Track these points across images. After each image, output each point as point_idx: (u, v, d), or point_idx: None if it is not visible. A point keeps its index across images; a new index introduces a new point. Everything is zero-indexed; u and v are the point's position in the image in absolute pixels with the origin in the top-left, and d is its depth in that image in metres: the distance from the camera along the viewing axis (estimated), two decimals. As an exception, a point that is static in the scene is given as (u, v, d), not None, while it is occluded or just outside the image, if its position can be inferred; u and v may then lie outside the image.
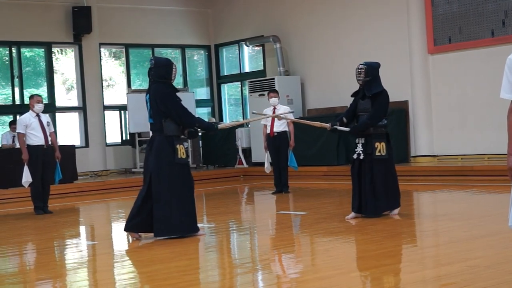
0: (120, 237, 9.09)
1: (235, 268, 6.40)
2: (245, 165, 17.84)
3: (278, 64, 18.08)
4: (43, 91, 17.90)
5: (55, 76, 18.20)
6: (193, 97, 18.68)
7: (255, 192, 14.10)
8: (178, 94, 8.04)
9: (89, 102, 18.29)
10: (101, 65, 18.63)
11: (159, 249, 7.25)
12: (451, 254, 6.26)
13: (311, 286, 5.37)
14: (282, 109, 12.42)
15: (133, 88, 18.89)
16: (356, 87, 9.00)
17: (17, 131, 11.48)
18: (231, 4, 19.74)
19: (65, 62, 18.83)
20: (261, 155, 15.06)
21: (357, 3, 16.65)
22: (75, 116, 18.56)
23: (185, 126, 7.88)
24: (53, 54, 18.17)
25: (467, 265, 5.59)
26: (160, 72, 7.86)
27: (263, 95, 16.48)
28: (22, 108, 16.27)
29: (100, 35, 18.36)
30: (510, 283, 4.94)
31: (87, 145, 18.22)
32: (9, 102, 17.54)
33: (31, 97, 11.52)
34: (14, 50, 17.55)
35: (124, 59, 19.31)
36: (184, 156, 7.82)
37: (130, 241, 7.95)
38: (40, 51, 18.16)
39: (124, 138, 19.02)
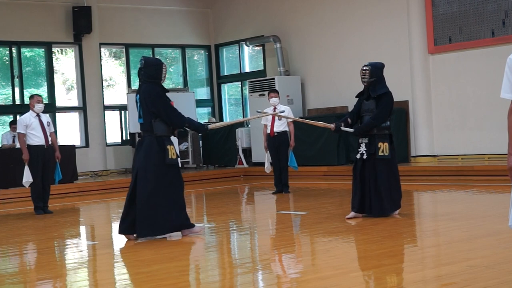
0: (120, 237, 9.09)
1: (235, 268, 6.40)
2: (245, 165, 17.84)
3: (278, 64, 18.09)
4: (43, 91, 17.90)
5: (55, 76, 18.20)
6: (193, 97, 18.68)
7: (255, 192, 14.10)
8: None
9: (89, 102, 18.29)
10: (101, 65, 18.63)
11: (159, 249, 7.25)
12: (451, 254, 6.26)
13: (312, 286, 5.37)
14: (282, 109, 12.42)
15: (133, 88, 18.87)
16: (356, 86, 9.03)
17: (17, 131, 11.47)
18: (231, 4, 19.74)
19: (65, 62, 18.84)
20: (261, 155, 15.07)
21: (357, 3, 16.65)
22: (75, 116, 18.56)
23: (174, 126, 7.88)
24: (53, 54, 18.18)
25: (467, 265, 5.59)
26: (150, 72, 7.86)
27: (263, 95, 16.49)
28: (22, 108, 16.28)
29: (100, 35, 18.36)
30: (510, 283, 4.94)
31: (87, 145, 18.23)
32: (9, 102, 17.54)
33: (31, 97, 11.52)
34: (14, 50, 17.55)
35: (124, 59, 19.31)
36: (174, 157, 7.80)
37: (132, 241, 7.94)
38: (40, 51, 18.17)
39: (124, 138, 19.03)
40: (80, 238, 9.15)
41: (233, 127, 18.02)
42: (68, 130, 18.36)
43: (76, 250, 7.99)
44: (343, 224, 8.36)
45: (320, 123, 9.33)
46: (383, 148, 8.54)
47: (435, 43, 15.21)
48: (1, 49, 17.67)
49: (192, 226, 7.95)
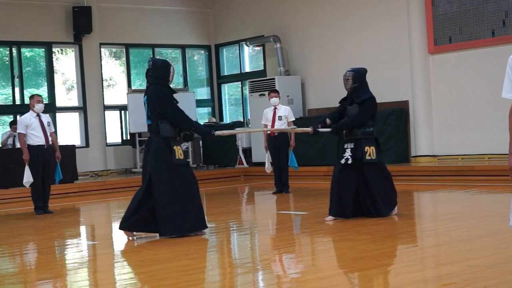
0: (120, 237, 9.09)
1: (236, 268, 6.40)
2: (245, 165, 17.84)
3: (278, 64, 18.09)
4: (43, 91, 17.91)
5: (55, 76, 18.20)
6: (193, 97, 18.69)
7: (255, 192, 14.10)
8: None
9: (90, 102, 18.30)
10: (101, 65, 18.63)
11: (159, 249, 7.25)
12: (451, 254, 6.26)
13: (312, 286, 5.37)
14: (283, 109, 12.44)
15: (133, 88, 18.89)
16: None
17: (17, 131, 11.48)
18: (232, 4, 19.74)
19: (65, 62, 18.84)
20: (262, 155, 15.07)
21: (357, 3, 16.65)
22: (75, 116, 18.56)
23: (180, 128, 7.90)
24: (53, 54, 18.18)
25: (467, 265, 5.59)
26: (158, 73, 7.88)
27: (264, 95, 16.49)
28: (23, 108, 16.27)
29: (100, 35, 18.36)
30: (510, 283, 4.94)
31: (87, 145, 18.23)
32: (9, 102, 17.54)
33: (32, 97, 11.53)
34: (14, 50, 17.56)
35: (124, 59, 19.31)
36: (182, 157, 7.84)
37: (132, 241, 7.95)
38: (41, 51, 18.17)
39: (124, 138, 19.03)
40: (80, 238, 9.16)
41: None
42: (68, 130, 18.36)
43: (76, 250, 7.99)
44: (343, 224, 8.36)
45: (299, 129, 9.43)
46: (370, 152, 8.55)
47: (435, 43, 15.21)
48: (1, 49, 17.67)
49: (205, 227, 7.98)
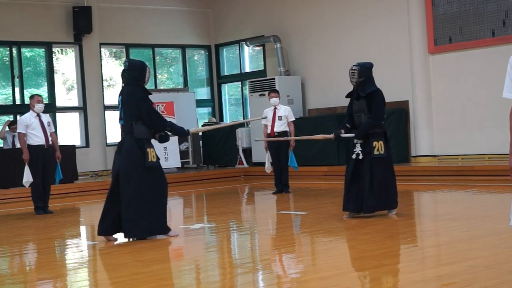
0: (120, 237, 9.09)
1: (236, 268, 6.40)
2: (245, 165, 17.84)
3: (278, 64, 18.08)
4: (43, 91, 17.90)
5: (55, 76, 18.20)
6: (194, 97, 18.68)
7: (255, 192, 14.10)
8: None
9: (90, 102, 18.29)
10: (101, 65, 18.63)
11: (159, 249, 7.25)
12: (451, 254, 6.26)
13: (312, 286, 5.37)
14: (283, 109, 12.44)
15: (133, 88, 18.86)
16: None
17: (17, 131, 11.48)
18: (232, 4, 19.74)
19: (65, 62, 18.84)
20: (262, 155, 15.06)
21: (357, 2, 16.65)
22: (75, 116, 18.56)
23: (155, 129, 7.87)
24: (53, 54, 18.17)
25: (467, 265, 5.59)
26: (134, 75, 7.87)
27: (264, 95, 16.49)
28: (23, 108, 16.26)
29: (100, 35, 18.36)
30: (510, 283, 4.94)
31: (87, 145, 18.23)
32: (9, 102, 17.54)
33: (32, 97, 11.52)
34: (14, 50, 17.55)
35: (124, 59, 19.30)
36: (154, 160, 7.79)
37: (132, 242, 7.95)
38: (41, 51, 18.17)
39: (124, 138, 18.99)
40: (80, 238, 9.16)
41: (233, 126, 18.02)
42: (68, 130, 18.36)
43: (77, 250, 7.99)
44: (343, 224, 8.36)
45: (320, 136, 9.32)
46: (378, 146, 8.53)
47: (435, 43, 15.21)
48: (1, 49, 17.67)
49: (168, 231, 7.93)
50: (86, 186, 15.53)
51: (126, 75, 7.90)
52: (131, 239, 7.81)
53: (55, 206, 12.13)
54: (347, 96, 8.96)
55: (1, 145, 15.99)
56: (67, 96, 18.89)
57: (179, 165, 17.50)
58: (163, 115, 16.75)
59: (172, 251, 7.12)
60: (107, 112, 18.76)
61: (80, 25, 17.83)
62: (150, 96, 7.91)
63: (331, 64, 17.26)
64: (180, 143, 17.55)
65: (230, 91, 20.85)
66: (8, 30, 17.17)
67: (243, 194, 13.96)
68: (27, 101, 15.53)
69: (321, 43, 17.51)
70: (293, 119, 12.52)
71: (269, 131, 12.41)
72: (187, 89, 19.45)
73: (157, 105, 17.11)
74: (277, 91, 12.73)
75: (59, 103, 18.22)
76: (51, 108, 17.42)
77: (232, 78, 20.41)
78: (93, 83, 18.29)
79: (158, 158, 7.91)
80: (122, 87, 7.99)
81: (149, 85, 20.17)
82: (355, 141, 8.67)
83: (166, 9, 19.61)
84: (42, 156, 11.15)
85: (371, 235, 7.38)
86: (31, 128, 11.15)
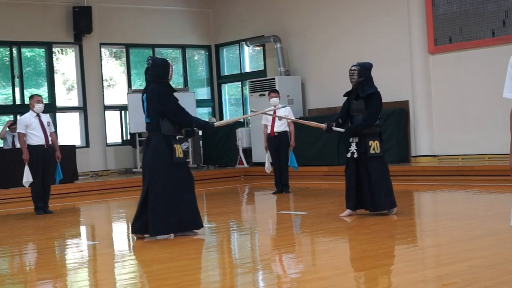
0: (120, 237, 9.09)
1: (236, 268, 6.40)
2: (245, 165, 17.84)
3: (278, 64, 18.08)
4: (43, 91, 17.90)
5: (55, 76, 18.20)
6: (194, 97, 18.68)
7: (255, 192, 14.10)
8: (177, 94, 8.07)
9: (90, 102, 18.29)
10: (101, 65, 18.63)
11: (159, 249, 7.25)
12: (451, 254, 6.26)
13: (312, 286, 5.37)
14: (283, 109, 12.42)
15: (133, 88, 18.88)
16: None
17: (17, 131, 11.47)
18: (232, 4, 19.74)
19: (65, 62, 18.84)
20: (262, 155, 15.07)
21: (357, 3, 16.65)
22: (75, 116, 18.56)
23: (182, 125, 7.91)
24: (53, 54, 18.18)
25: (467, 265, 5.59)
26: (158, 72, 7.90)
27: (264, 95, 16.49)
28: (23, 108, 16.26)
29: (100, 35, 18.36)
30: (510, 283, 4.94)
31: (87, 145, 18.23)
32: (9, 102, 17.54)
33: (32, 97, 11.52)
34: (14, 50, 17.55)
35: (124, 59, 19.31)
36: (181, 156, 7.85)
37: (133, 241, 7.95)
38: (41, 51, 18.17)
39: (124, 138, 19.03)
40: (80, 238, 9.15)
41: (233, 127, 18.02)
42: (69, 130, 18.36)
43: (77, 250, 7.99)
44: (343, 224, 8.36)
45: (313, 123, 9.39)
46: (374, 146, 8.63)
47: (435, 43, 15.21)
48: (1, 49, 17.67)
49: (200, 227, 7.96)
50: (86, 186, 15.54)
51: (149, 73, 7.93)
52: (158, 237, 7.76)
53: (55, 206, 12.13)
54: (345, 95, 9.02)
55: (1, 145, 15.99)
56: (67, 96, 18.90)
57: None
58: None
59: (172, 251, 7.12)
60: (107, 112, 18.76)
61: (80, 25, 17.84)
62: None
63: (331, 64, 17.25)
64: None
65: (230, 91, 20.85)
66: (8, 30, 17.17)
67: (243, 194, 13.96)
68: (27, 101, 15.52)
69: (321, 43, 17.51)
70: (293, 118, 12.50)
71: (269, 131, 12.41)
72: (187, 89, 19.45)
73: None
74: (277, 91, 12.73)
75: (59, 103, 18.22)
76: (51, 108, 17.42)
77: (232, 78, 20.41)
78: (93, 83, 18.29)
79: (184, 154, 7.96)
80: (146, 85, 8.00)
81: (149, 85, 20.22)
82: (351, 140, 8.78)
83: (166, 9, 19.61)
84: (42, 156, 11.15)
85: (371, 235, 7.38)
86: (31, 128, 11.15)
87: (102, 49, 18.72)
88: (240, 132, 18.04)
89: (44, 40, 17.77)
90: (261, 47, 19.14)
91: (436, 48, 15.19)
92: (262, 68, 19.25)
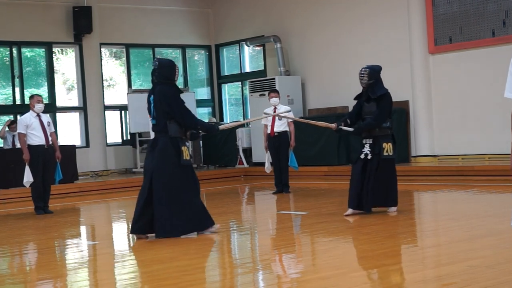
0: (120, 237, 9.09)
1: (236, 268, 6.40)
2: (245, 165, 17.84)
3: (278, 64, 18.08)
4: (43, 91, 17.90)
5: (55, 76, 18.20)
6: (194, 97, 18.68)
7: (255, 192, 14.10)
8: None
9: (90, 102, 18.30)
10: (101, 65, 18.63)
11: (159, 249, 7.25)
12: (451, 254, 6.26)
13: (312, 286, 5.37)
14: (283, 109, 12.41)
15: (133, 88, 18.89)
16: (357, 86, 9.14)
17: (17, 131, 11.47)
18: (232, 4, 19.74)
19: (65, 62, 18.84)
20: (262, 155, 15.07)
21: (357, 3, 16.65)
22: (75, 116, 18.56)
23: (187, 127, 7.92)
24: (53, 54, 18.18)
25: (467, 265, 5.59)
26: (164, 73, 7.90)
27: (264, 95, 16.48)
28: (23, 108, 16.26)
29: (100, 35, 18.36)
30: (510, 283, 4.94)
31: (87, 145, 18.23)
32: (9, 102, 17.54)
33: (32, 97, 11.52)
34: (14, 50, 17.55)
35: (124, 59, 19.31)
36: (188, 158, 7.86)
37: (133, 241, 7.95)
38: (41, 51, 18.17)
39: (124, 138, 19.03)
40: (80, 238, 9.15)
41: (233, 127, 18.01)
42: (69, 130, 18.36)
43: (77, 250, 7.99)
44: (343, 224, 8.36)
45: (322, 123, 9.47)
46: (387, 148, 8.78)
47: (435, 43, 15.21)
48: (1, 49, 17.67)
49: (211, 225, 7.98)
50: (86, 186, 15.54)
51: (156, 74, 7.93)
52: (162, 238, 7.77)
53: (55, 206, 12.13)
54: (355, 98, 9.13)
55: (1, 145, 15.99)
56: (67, 96, 18.90)
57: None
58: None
59: (172, 251, 7.12)
60: (107, 112, 18.76)
61: (80, 25, 17.84)
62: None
63: (331, 64, 17.26)
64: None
65: (230, 91, 20.85)
66: (8, 30, 17.17)
67: (243, 194, 13.96)
68: (27, 101, 15.53)
69: (321, 43, 17.51)
70: (296, 118, 12.49)
71: (269, 131, 12.40)
72: (187, 89, 19.44)
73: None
74: (277, 91, 12.73)
75: (59, 103, 18.22)
76: (51, 108, 17.42)
77: (232, 78, 20.41)
78: (93, 83, 18.29)
79: (191, 156, 7.98)
80: (153, 86, 7.99)
81: (149, 85, 20.27)
82: (364, 141, 8.87)
83: (166, 9, 19.61)
84: (42, 156, 11.15)
85: (371, 235, 7.38)
86: (31, 128, 11.15)
87: (102, 49, 18.72)
88: (240, 132, 18.04)
89: (44, 40, 17.77)
90: (261, 47, 19.13)
91: (436, 48, 15.19)
92: (262, 68, 19.25)
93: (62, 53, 18.80)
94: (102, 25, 18.38)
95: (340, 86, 16.76)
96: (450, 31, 14.96)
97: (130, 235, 8.02)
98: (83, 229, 10.21)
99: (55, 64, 18.27)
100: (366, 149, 8.80)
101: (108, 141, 18.62)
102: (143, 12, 19.20)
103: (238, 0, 19.55)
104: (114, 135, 19.07)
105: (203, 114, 20.59)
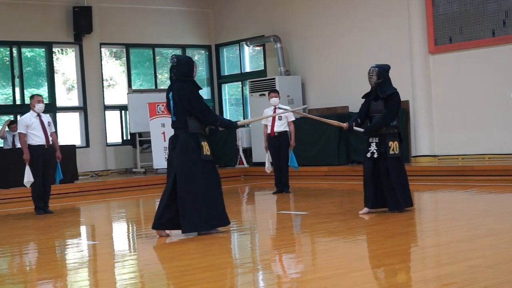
0: (120, 237, 9.09)
1: (236, 268, 6.40)
2: (245, 165, 17.84)
3: (278, 64, 18.08)
4: (43, 91, 17.90)
5: (55, 76, 18.20)
6: (194, 97, 18.64)
7: (255, 192, 14.10)
8: None
9: (90, 102, 18.30)
10: (101, 65, 18.63)
11: (159, 249, 7.25)
12: (451, 254, 6.26)
13: (312, 286, 5.37)
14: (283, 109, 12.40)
15: (133, 88, 18.89)
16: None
17: (18, 131, 11.47)
18: (232, 4, 19.74)
19: (65, 62, 18.84)
20: (262, 155, 15.07)
21: (357, 3, 16.65)
22: (75, 116, 18.57)
23: (207, 123, 7.97)
24: (53, 54, 18.18)
25: (468, 265, 5.59)
26: (183, 70, 7.93)
27: (264, 95, 16.48)
28: (23, 108, 16.26)
29: (100, 35, 18.36)
30: (510, 283, 4.94)
31: (87, 145, 18.23)
32: (9, 102, 17.55)
33: (32, 97, 11.52)
34: (14, 50, 17.56)
35: (124, 59, 19.31)
36: (209, 153, 7.88)
37: (133, 241, 7.95)
38: (41, 51, 18.17)
39: (124, 138, 19.03)
40: (80, 238, 9.15)
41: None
42: (69, 130, 18.36)
43: (77, 250, 7.99)
44: (343, 224, 8.36)
45: (334, 122, 9.52)
46: (394, 146, 8.85)
47: (435, 43, 15.21)
48: (1, 49, 17.68)
49: (228, 224, 8.04)
50: (86, 186, 15.54)
51: (175, 71, 7.94)
52: (189, 234, 7.80)
53: (55, 206, 12.14)
54: (363, 97, 9.20)
55: (1, 145, 15.99)
56: (67, 96, 18.90)
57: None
58: (164, 115, 16.91)
59: (172, 251, 7.12)
60: (107, 112, 18.76)
61: (80, 25, 17.84)
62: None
63: (331, 64, 17.26)
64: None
65: (230, 91, 20.85)
66: (8, 30, 17.17)
67: (243, 194, 13.96)
68: (27, 101, 15.54)
69: (321, 43, 17.51)
70: (293, 119, 12.49)
71: (269, 131, 12.40)
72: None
73: (157, 105, 17.14)
74: (277, 91, 12.72)
75: (59, 103, 18.23)
76: (52, 108, 17.42)
77: (232, 78, 20.41)
78: (93, 83, 18.29)
79: (211, 152, 8.00)
80: (171, 83, 8.01)
81: (149, 85, 20.25)
82: (371, 140, 8.93)
83: (166, 9, 19.61)
84: (42, 156, 11.15)
85: (371, 235, 7.38)
86: (32, 128, 11.15)
87: (102, 49, 18.72)
88: (240, 132, 18.04)
89: (44, 40, 17.77)
90: (261, 47, 19.14)
91: (436, 48, 15.19)
92: (262, 68, 19.25)
93: (62, 53, 18.81)
94: (102, 25, 18.38)
95: (340, 86, 16.76)
96: (450, 31, 14.96)
97: (153, 230, 7.97)
98: (83, 229, 10.21)
99: (55, 64, 18.27)
100: (373, 147, 8.87)
101: (108, 141, 18.62)
102: (143, 12, 19.20)
103: (238, 0, 19.55)
104: (114, 135, 19.07)
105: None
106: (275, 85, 16.91)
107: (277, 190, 12.56)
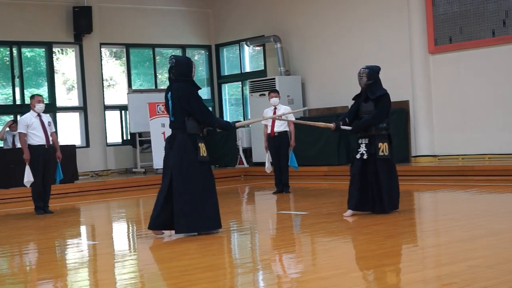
0: (120, 237, 9.10)
1: (236, 268, 6.40)
2: (245, 165, 17.84)
3: (278, 64, 18.08)
4: (43, 91, 17.91)
5: (55, 76, 18.20)
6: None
7: (255, 192, 14.10)
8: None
9: (90, 102, 18.30)
10: (101, 65, 18.63)
11: (159, 249, 7.25)
12: (451, 254, 6.26)
13: (312, 286, 5.37)
14: (283, 109, 12.41)
15: (133, 88, 18.89)
16: (357, 86, 9.15)
17: (18, 131, 11.48)
18: (232, 4, 19.74)
19: (65, 62, 18.84)
20: (262, 155, 15.07)
21: (358, 3, 16.65)
22: (75, 116, 18.57)
23: (205, 124, 7.96)
24: (53, 54, 18.18)
25: (467, 265, 5.59)
26: (182, 70, 7.92)
27: (264, 95, 16.48)
28: (23, 108, 16.27)
29: (100, 35, 18.36)
30: (510, 283, 4.94)
31: (87, 145, 18.23)
32: (9, 102, 17.55)
33: (32, 97, 11.53)
34: (14, 50, 17.55)
35: (124, 59, 19.31)
36: (205, 154, 7.86)
37: (133, 241, 7.95)
38: (41, 51, 18.17)
39: (124, 138, 19.03)
40: (80, 238, 9.16)
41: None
42: (69, 130, 18.37)
43: (77, 250, 7.99)
44: (343, 224, 8.36)
45: (321, 124, 9.52)
46: (383, 148, 8.76)
47: (435, 43, 15.21)
48: (1, 49, 17.68)
49: (219, 227, 8.02)
50: (86, 186, 15.54)
51: (174, 71, 7.93)
52: (183, 235, 7.80)
53: (55, 206, 12.14)
54: (354, 98, 9.16)
55: (1, 145, 15.99)
56: (67, 96, 18.90)
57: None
58: (165, 114, 16.90)
59: (172, 251, 7.12)
60: (107, 112, 18.77)
61: (80, 25, 17.84)
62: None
63: (331, 64, 17.26)
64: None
65: (230, 91, 20.85)
66: (9, 30, 17.18)
67: (243, 194, 13.96)
68: (27, 101, 15.54)
69: (321, 43, 17.51)
70: (293, 119, 12.50)
71: (269, 131, 12.41)
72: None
73: (157, 105, 17.14)
74: (277, 91, 12.73)
75: (59, 103, 18.23)
76: (52, 108, 17.42)
77: (232, 78, 20.41)
78: (93, 83, 18.29)
79: (208, 153, 8.00)
80: (170, 83, 8.01)
81: (149, 85, 20.24)
82: (360, 141, 8.89)
83: (166, 9, 19.61)
84: (42, 156, 11.15)
85: (371, 235, 7.38)
86: (32, 128, 11.15)
87: (102, 49, 18.73)
88: (240, 132, 18.04)
89: (44, 40, 17.77)
90: (261, 47, 19.14)
91: (436, 48, 15.19)
92: (262, 68, 19.25)
93: (62, 53, 18.81)
94: (102, 25, 18.38)
95: (340, 86, 16.76)
96: (450, 31, 14.96)
97: (149, 230, 7.98)
98: (83, 229, 10.21)
99: (55, 64, 18.27)
100: (362, 149, 8.82)
101: (108, 141, 18.63)
102: (143, 12, 19.20)
103: (238, 0, 19.55)
104: (114, 135, 19.08)
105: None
106: (275, 85, 16.91)
107: (277, 190, 12.57)
